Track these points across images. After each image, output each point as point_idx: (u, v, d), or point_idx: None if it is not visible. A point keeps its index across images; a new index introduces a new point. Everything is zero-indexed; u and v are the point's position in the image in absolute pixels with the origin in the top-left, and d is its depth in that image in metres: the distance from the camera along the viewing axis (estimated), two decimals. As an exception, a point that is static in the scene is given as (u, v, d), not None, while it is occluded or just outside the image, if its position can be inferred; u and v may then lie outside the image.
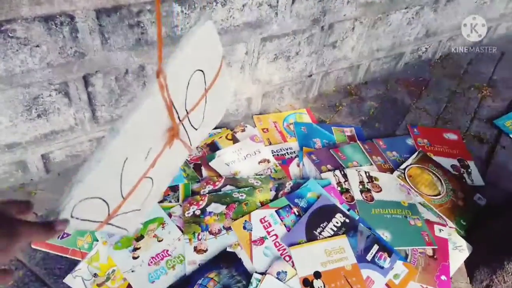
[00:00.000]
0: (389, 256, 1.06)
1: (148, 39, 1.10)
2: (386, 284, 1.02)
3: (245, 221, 1.09)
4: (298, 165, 1.34)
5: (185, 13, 1.11)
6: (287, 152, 1.39)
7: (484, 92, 1.86)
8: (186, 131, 0.69)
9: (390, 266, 1.04)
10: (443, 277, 1.08)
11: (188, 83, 0.61)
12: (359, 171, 1.32)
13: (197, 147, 1.36)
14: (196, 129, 0.73)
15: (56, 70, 1.00)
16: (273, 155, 1.36)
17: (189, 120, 0.68)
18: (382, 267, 1.03)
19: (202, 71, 0.64)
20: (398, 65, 1.96)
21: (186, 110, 0.65)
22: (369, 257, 1.05)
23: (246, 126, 1.48)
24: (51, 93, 1.04)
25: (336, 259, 1.02)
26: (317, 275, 0.99)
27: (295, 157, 1.37)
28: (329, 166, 1.33)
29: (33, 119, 1.06)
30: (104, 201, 0.57)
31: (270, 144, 1.42)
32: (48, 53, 0.96)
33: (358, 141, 1.48)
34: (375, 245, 1.07)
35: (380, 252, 1.06)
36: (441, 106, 1.77)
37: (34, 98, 1.02)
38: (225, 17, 1.20)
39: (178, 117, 0.63)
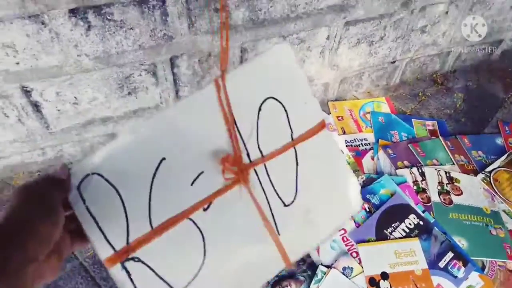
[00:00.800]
0: (464, 266, 1.00)
1: (232, 23, 1.10)
2: (458, 294, 0.98)
3: (314, 211, 1.10)
4: (373, 159, 1.30)
5: (270, -3, 1.10)
6: (362, 144, 1.36)
7: None
8: (265, 193, 0.56)
9: (464, 276, 0.99)
10: (522, 294, 1.00)
11: (259, 111, 0.54)
12: (438, 170, 1.25)
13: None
14: (287, 206, 0.57)
15: (146, 52, 1.05)
16: (346, 146, 1.33)
17: (267, 174, 0.56)
18: (455, 276, 0.99)
19: (279, 101, 0.55)
20: (494, 53, 1.78)
21: (260, 151, 0.55)
22: (441, 264, 1.01)
23: (321, 112, 1.46)
24: (141, 73, 1.10)
25: (406, 262, 0.99)
26: (384, 276, 0.97)
27: (370, 149, 1.33)
28: (406, 162, 1.28)
29: (124, 96, 1.14)
30: (123, 205, 0.48)
31: (344, 133, 1.39)
32: (141, 35, 1.02)
33: (440, 137, 1.39)
34: (450, 252, 1.03)
35: (455, 260, 1.01)
36: (541, 103, 1.59)
37: (126, 77, 1.09)
38: (309, 0, 1.17)
39: (248, 154, 0.54)
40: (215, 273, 0.53)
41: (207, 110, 0.52)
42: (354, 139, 1.37)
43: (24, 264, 0.36)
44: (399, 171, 1.23)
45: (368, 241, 1.03)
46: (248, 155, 0.54)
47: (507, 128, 1.46)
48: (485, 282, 1.00)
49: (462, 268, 1.00)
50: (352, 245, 1.03)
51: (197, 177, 0.52)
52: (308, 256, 1.01)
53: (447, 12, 1.46)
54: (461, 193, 1.19)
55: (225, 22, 0.60)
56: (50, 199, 0.41)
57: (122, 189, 0.48)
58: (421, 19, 1.43)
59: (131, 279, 0.48)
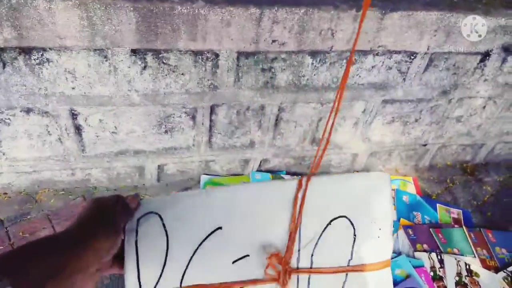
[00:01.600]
0: None
1: (275, 83, 1.16)
2: None
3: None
4: (392, 237, 1.28)
5: (315, 66, 1.16)
6: (383, 220, 1.34)
7: None
8: None
9: None
10: None
11: (328, 224, 0.54)
12: (458, 260, 1.21)
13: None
14: None
15: (191, 97, 1.12)
16: (367, 219, 1.31)
17: (308, 284, 0.56)
18: None
19: (352, 224, 0.55)
20: (529, 152, 1.77)
21: (312, 261, 0.55)
22: None
23: (346, 181, 1.47)
24: (181, 114, 1.16)
25: None
26: None
27: (391, 227, 1.31)
28: (425, 246, 1.24)
29: (161, 133, 1.19)
30: (166, 254, 0.50)
31: (367, 206, 1.38)
32: (189, 81, 1.08)
33: (464, 227, 1.36)
34: None
35: None
36: None
37: (167, 116, 1.15)
38: (351, 75, 1.22)
39: (298, 259, 0.54)
40: None
41: (280, 203, 0.53)
42: (376, 214, 1.35)
43: (76, 272, 0.37)
44: (417, 254, 1.20)
45: (377, 323, 0.99)
46: (298, 260, 0.54)
47: (535, 231, 1.41)
48: None
49: None
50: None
51: (241, 258, 0.53)
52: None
53: (484, 107, 1.49)
54: (480, 290, 1.14)
55: (327, 138, 0.61)
56: (117, 221, 0.44)
57: (172, 238, 0.51)
58: (458, 109, 1.46)
59: None
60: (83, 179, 1.28)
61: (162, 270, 0.50)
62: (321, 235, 0.54)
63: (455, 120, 1.49)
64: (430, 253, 1.22)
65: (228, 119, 1.22)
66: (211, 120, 1.21)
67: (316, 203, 0.53)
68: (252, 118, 1.25)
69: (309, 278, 0.55)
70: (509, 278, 1.20)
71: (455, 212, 1.44)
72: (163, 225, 0.50)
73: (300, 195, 0.52)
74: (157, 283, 0.50)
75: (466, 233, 1.33)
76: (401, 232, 1.28)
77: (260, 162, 1.41)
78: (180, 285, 0.51)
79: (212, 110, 1.18)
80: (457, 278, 1.16)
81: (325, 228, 0.54)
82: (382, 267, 0.56)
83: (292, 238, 0.52)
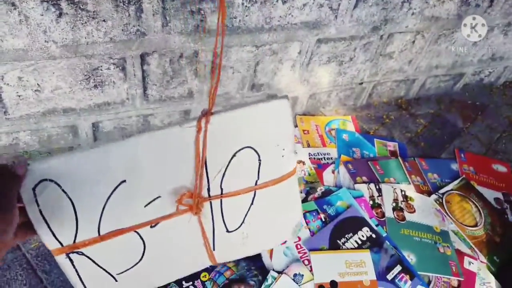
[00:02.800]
0: (411, 280, 1.03)
1: (206, 27, 1.12)
2: (403, 307, 1.00)
3: (271, 218, 1.11)
4: (333, 172, 1.33)
5: (246, 6, 1.13)
6: (324, 157, 1.39)
7: (546, 127, 1.75)
8: (213, 221, 0.60)
9: (410, 289, 1.02)
10: (464, 312, 1.04)
11: (233, 156, 0.55)
12: (394, 188, 1.29)
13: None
14: (229, 232, 0.63)
15: (117, 46, 1.05)
16: (309, 158, 1.36)
17: (221, 207, 0.59)
18: (401, 289, 1.02)
19: (257, 152, 0.56)
20: (456, 85, 1.88)
21: (221, 188, 0.57)
22: (389, 276, 1.03)
23: (288, 125, 1.49)
24: (109, 66, 1.10)
25: (356, 272, 1.01)
26: (334, 284, 0.98)
27: (332, 163, 1.36)
28: (364, 178, 1.31)
29: (90, 88, 1.13)
30: (76, 215, 0.49)
31: (309, 146, 1.42)
32: (113, 28, 1.02)
33: (399, 158, 1.44)
34: (398, 265, 1.05)
35: (402, 274, 1.04)
36: (495, 135, 1.68)
37: (93, 69, 1.08)
38: (283, 14, 1.21)
39: (208, 189, 0.56)
40: (148, 265, 0.58)
41: (183, 147, 0.53)
42: (318, 153, 1.40)
43: None
44: (357, 186, 1.26)
45: (321, 249, 1.05)
46: (208, 189, 0.56)
47: (462, 155, 1.53)
48: (430, 297, 1.03)
49: (409, 282, 1.03)
50: (305, 252, 1.04)
51: (153, 200, 0.53)
52: (260, 260, 1.01)
53: (414, 42, 1.54)
54: (414, 211, 1.23)
55: (218, 63, 0.64)
56: (8, 195, 0.39)
57: (77, 201, 0.49)
58: (390, 45, 1.50)
59: (74, 266, 0.52)
60: (11, 144, 1.20)
61: (77, 228, 0.50)
62: (227, 166, 0.56)
63: (388, 56, 1.54)
64: (369, 184, 1.29)
65: (162, 69, 1.18)
66: (143, 71, 1.15)
67: (219, 140, 0.53)
68: (187, 66, 1.21)
69: (221, 202, 0.58)
70: (440, 200, 1.30)
71: (391, 145, 1.52)
72: (63, 191, 0.48)
73: (201, 137, 0.52)
74: (75, 238, 0.50)
75: (401, 163, 1.42)
76: (341, 167, 1.34)
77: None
78: (99, 234, 0.51)
79: (143, 59, 1.13)
80: (394, 204, 1.24)
81: (231, 159, 0.56)
82: (287, 177, 0.61)
83: (199, 177, 0.54)
